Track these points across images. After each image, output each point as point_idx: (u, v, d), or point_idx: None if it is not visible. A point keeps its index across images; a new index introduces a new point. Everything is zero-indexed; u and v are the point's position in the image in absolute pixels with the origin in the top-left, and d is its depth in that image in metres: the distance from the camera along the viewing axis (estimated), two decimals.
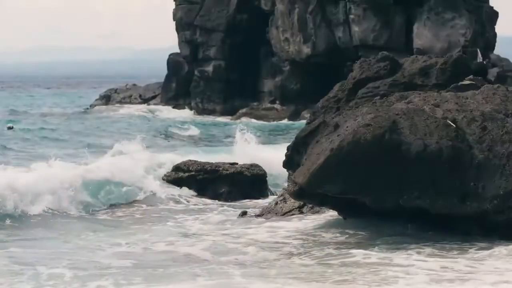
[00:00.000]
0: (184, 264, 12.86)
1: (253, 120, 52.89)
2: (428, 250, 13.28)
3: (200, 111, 58.61)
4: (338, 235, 14.78)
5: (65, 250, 14.06)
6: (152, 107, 62.24)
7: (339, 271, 12.06)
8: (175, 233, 15.86)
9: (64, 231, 16.20)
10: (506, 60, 52.69)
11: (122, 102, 66.38)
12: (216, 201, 20.26)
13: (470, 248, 13.42)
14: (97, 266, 12.61)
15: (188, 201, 20.16)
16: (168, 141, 39.13)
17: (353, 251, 13.32)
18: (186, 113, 58.35)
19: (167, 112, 59.10)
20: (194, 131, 44.57)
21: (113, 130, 44.61)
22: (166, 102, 62.09)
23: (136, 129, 43.14)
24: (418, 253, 13.11)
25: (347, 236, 14.66)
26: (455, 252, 13.16)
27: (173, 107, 60.67)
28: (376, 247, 13.54)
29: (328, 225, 15.63)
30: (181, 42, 60.86)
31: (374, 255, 12.99)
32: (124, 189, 20.18)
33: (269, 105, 56.43)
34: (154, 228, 16.60)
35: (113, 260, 13.06)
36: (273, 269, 12.31)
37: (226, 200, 20.33)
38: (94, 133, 42.33)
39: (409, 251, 13.20)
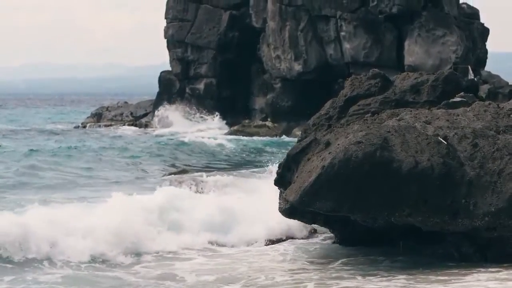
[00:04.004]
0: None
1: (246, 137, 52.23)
2: (414, 276, 13.02)
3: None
4: (312, 260, 14.60)
5: None
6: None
7: None
8: None
9: None
10: (497, 76, 52.78)
11: (113, 119, 66.17)
12: None
13: (460, 272, 13.21)
14: None
15: None
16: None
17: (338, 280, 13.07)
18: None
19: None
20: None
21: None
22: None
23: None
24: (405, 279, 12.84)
25: (328, 262, 14.40)
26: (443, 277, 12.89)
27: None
28: (365, 275, 13.25)
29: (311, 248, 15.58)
30: (172, 60, 60.80)
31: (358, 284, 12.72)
32: None
33: (260, 122, 56.33)
34: None
35: None
36: None
37: None
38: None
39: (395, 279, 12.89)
